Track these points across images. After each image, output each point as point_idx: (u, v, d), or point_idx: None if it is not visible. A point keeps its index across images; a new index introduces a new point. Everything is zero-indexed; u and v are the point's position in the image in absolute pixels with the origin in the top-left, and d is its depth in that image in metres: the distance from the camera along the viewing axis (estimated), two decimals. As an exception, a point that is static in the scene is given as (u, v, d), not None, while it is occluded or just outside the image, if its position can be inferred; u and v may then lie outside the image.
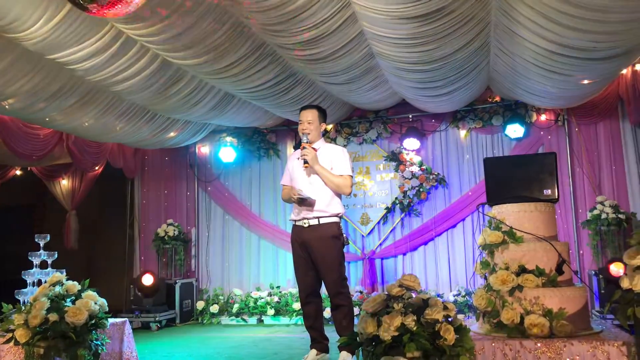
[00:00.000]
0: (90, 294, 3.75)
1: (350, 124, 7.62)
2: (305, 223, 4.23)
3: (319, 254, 4.18)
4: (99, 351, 3.65)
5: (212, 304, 7.47)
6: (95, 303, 3.72)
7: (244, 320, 7.28)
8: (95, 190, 8.52)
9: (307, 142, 4.28)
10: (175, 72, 5.06)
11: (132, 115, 6.08)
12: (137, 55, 4.59)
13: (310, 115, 4.37)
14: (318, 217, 4.21)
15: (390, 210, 7.37)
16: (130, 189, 8.53)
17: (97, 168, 7.93)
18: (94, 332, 3.65)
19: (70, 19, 3.90)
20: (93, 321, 3.65)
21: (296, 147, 4.04)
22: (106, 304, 3.80)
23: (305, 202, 4.22)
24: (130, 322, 5.06)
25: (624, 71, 5.99)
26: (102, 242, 9.07)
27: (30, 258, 4.29)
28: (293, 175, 4.42)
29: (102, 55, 4.43)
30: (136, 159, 8.28)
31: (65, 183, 8.41)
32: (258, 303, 7.29)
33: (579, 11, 3.67)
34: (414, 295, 2.93)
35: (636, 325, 2.70)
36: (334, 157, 4.36)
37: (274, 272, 7.76)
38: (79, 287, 3.75)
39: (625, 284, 2.70)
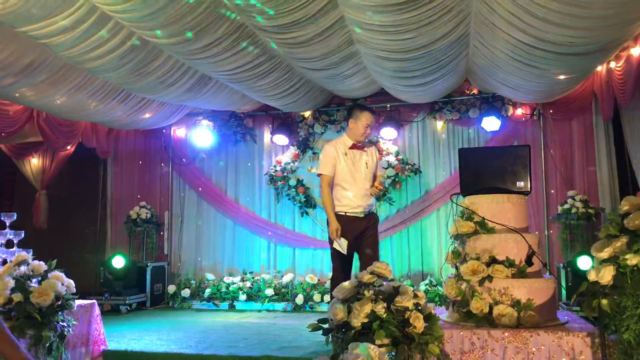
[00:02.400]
0: (57, 274, 3.67)
1: (328, 112, 7.59)
2: (361, 214, 4.51)
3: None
4: (65, 333, 3.59)
5: (184, 288, 7.41)
6: (62, 284, 3.65)
7: (215, 305, 7.24)
8: (67, 169, 8.35)
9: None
10: (150, 51, 4.94)
11: (106, 94, 5.96)
12: (111, 31, 4.47)
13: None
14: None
15: (365, 198, 7.37)
16: (103, 170, 8.38)
17: (69, 147, 7.76)
18: (60, 313, 3.58)
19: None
20: (59, 302, 3.58)
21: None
22: (73, 285, 3.73)
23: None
24: (100, 305, 5.00)
25: (599, 68, 6.07)
26: (73, 222, 8.89)
27: (-6, 234, 4.18)
28: (352, 169, 4.54)
29: (75, 31, 4.29)
30: (110, 139, 8.13)
31: (35, 162, 8.22)
32: (230, 288, 7.26)
33: (559, 5, 3.69)
34: (385, 283, 2.95)
35: (600, 317, 2.75)
36: (377, 161, 4.75)
37: (248, 257, 7.73)
38: (45, 267, 3.68)
39: (591, 276, 2.74)
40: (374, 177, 4.69)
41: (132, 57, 4.92)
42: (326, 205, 4.51)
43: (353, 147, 4.59)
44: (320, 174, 4.58)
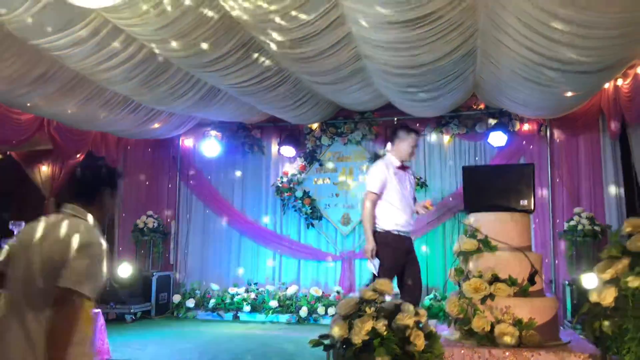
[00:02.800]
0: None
1: (336, 124, 7.63)
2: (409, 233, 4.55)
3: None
4: (69, 342, 3.61)
5: (189, 298, 7.44)
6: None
7: (219, 315, 7.26)
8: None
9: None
10: (161, 63, 5.01)
11: (115, 105, 6.03)
12: (122, 44, 4.54)
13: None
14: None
15: (371, 211, 7.38)
16: (111, 179, 8.42)
17: (78, 156, 7.82)
18: (65, 322, 3.61)
19: (56, 4, 3.85)
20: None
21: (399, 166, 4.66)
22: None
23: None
24: (105, 313, 5.04)
25: (607, 85, 6.07)
26: (80, 230, 8.95)
27: (1, 245, 4.23)
28: (399, 188, 4.55)
29: (87, 43, 4.38)
30: (119, 148, 8.20)
31: (45, 169, 8.29)
32: (235, 299, 7.28)
33: (566, 25, 3.71)
34: (386, 299, 2.96)
35: (602, 339, 2.75)
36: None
37: (253, 268, 7.75)
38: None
39: (593, 297, 2.74)
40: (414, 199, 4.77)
41: (143, 68, 5.00)
42: (367, 223, 4.48)
43: (400, 167, 4.65)
44: (369, 192, 4.55)
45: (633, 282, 2.51)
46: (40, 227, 2.12)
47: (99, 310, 4.41)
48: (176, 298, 7.53)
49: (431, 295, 6.82)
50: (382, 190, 4.52)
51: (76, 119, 6.23)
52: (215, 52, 4.66)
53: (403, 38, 4.23)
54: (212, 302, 7.32)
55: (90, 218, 2.17)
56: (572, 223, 6.33)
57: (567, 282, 6.08)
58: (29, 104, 5.53)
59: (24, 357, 1.95)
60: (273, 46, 4.58)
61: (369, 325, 2.70)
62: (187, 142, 8.26)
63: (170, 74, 5.25)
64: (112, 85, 5.33)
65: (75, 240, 2.01)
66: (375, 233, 4.42)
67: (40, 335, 1.94)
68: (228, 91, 5.86)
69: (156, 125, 6.99)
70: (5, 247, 2.27)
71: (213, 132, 7.86)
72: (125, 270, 7.01)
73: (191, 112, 6.67)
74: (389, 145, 4.76)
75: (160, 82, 5.33)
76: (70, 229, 2.06)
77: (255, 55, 4.90)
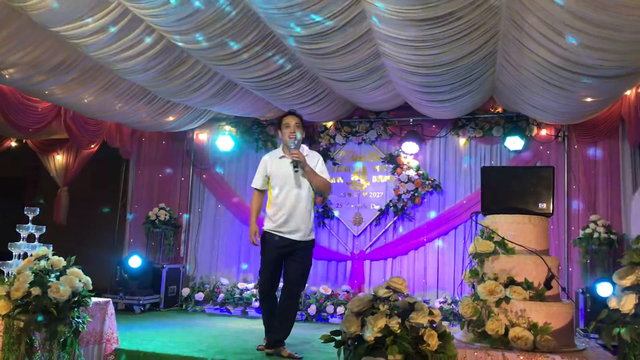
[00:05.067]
0: (75, 270, 3.71)
1: (351, 123, 7.59)
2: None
3: None
4: (80, 329, 3.62)
5: (198, 292, 7.44)
6: (80, 280, 3.69)
7: (228, 310, 7.25)
8: (89, 168, 8.47)
9: (294, 148, 4.47)
10: (179, 55, 5.02)
11: (132, 96, 6.04)
12: (142, 34, 4.55)
13: (298, 119, 4.59)
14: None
15: (383, 212, 7.35)
16: (124, 170, 8.48)
17: (93, 146, 7.87)
18: (76, 309, 3.62)
19: (77, -8, 3.87)
20: (76, 298, 3.62)
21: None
22: (90, 282, 3.76)
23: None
24: (115, 304, 5.04)
25: (628, 92, 5.98)
26: (92, 220, 9.02)
27: (17, 230, 4.24)
28: (278, 175, 4.57)
29: (107, 32, 4.39)
30: (133, 140, 8.23)
31: (59, 158, 8.36)
32: (244, 295, 7.26)
33: (590, 28, 3.65)
34: (400, 298, 2.92)
35: (620, 346, 2.69)
36: (320, 166, 4.61)
37: (262, 264, 7.72)
38: (64, 262, 3.72)
39: (612, 303, 2.69)
40: None
41: (161, 59, 5.01)
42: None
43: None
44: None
45: (655, 289, 2.45)
46: None
47: (109, 299, 4.42)
48: (185, 291, 7.54)
49: (441, 298, 6.77)
50: (261, 184, 4.74)
51: (92, 109, 6.25)
52: (234, 46, 4.66)
53: (423, 36, 4.20)
54: (221, 296, 7.32)
55: None
56: (588, 231, 6.24)
57: (580, 290, 6.00)
58: (46, 92, 5.56)
59: None
60: (292, 41, 4.57)
61: (382, 323, 2.67)
62: (202, 137, 8.26)
63: (188, 66, 5.26)
64: (129, 75, 5.34)
65: None
66: None
67: None
68: (244, 86, 5.85)
69: (171, 119, 7.00)
70: None
71: (227, 127, 7.86)
72: (135, 261, 7.02)
73: (206, 106, 6.67)
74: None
75: (177, 74, 5.34)
76: None
77: (274, 50, 4.89)
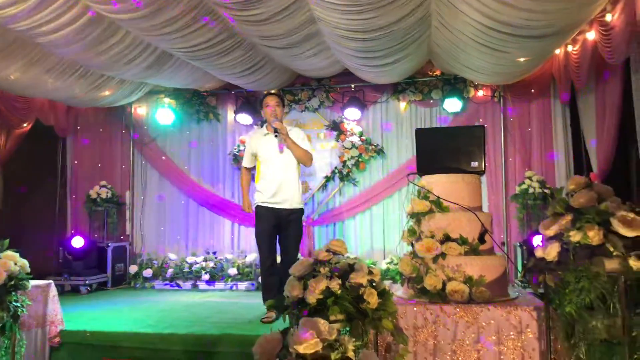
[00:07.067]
0: (10, 254, 3.59)
1: (293, 91, 7.56)
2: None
3: None
4: (18, 313, 3.53)
5: (146, 269, 7.36)
6: (15, 264, 3.57)
7: (178, 285, 7.22)
8: (24, 147, 8.10)
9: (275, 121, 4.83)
10: (108, 26, 4.81)
11: (62, 70, 5.77)
12: (66, 4, 4.33)
13: (277, 99, 4.99)
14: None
15: (329, 179, 7.43)
16: (62, 148, 8.17)
17: (25, 125, 7.52)
18: (13, 293, 3.52)
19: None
20: (12, 282, 3.51)
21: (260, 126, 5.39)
22: (27, 265, 3.65)
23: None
24: (60, 286, 4.93)
25: (557, 51, 6.19)
26: (31, 202, 8.66)
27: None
28: (262, 152, 4.90)
29: (28, 2, 4.15)
30: (69, 117, 7.92)
31: (-11, 139, 7.95)
32: (193, 268, 7.24)
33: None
34: (341, 259, 2.98)
35: (546, 292, 2.86)
36: (300, 139, 4.92)
37: (211, 237, 7.70)
38: (-3, 247, 3.59)
39: (538, 253, 2.84)
40: None
41: (88, 32, 4.78)
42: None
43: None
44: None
45: (575, 236, 2.60)
46: None
47: (50, 281, 4.32)
48: (133, 269, 7.43)
49: (388, 260, 6.95)
50: (250, 162, 5.19)
51: (20, 86, 5.95)
52: (165, 15, 4.51)
53: (356, 0, 4.18)
54: (170, 272, 7.26)
55: None
56: (524, 187, 6.52)
57: (518, 244, 6.29)
58: (-35, 70, 5.25)
59: None
60: (223, 9, 4.46)
61: (323, 285, 2.73)
62: (140, 111, 8.04)
63: (118, 38, 5.05)
64: (56, 49, 5.10)
65: None
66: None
67: None
68: (179, 56, 5.70)
69: (107, 93, 6.76)
70: None
71: (166, 100, 7.67)
72: (78, 241, 6.85)
73: (142, 79, 6.47)
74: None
75: (107, 47, 5.12)
76: None
77: (207, 17, 4.77)
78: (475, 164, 3.63)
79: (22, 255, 3.64)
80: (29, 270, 3.66)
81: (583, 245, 2.56)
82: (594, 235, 2.56)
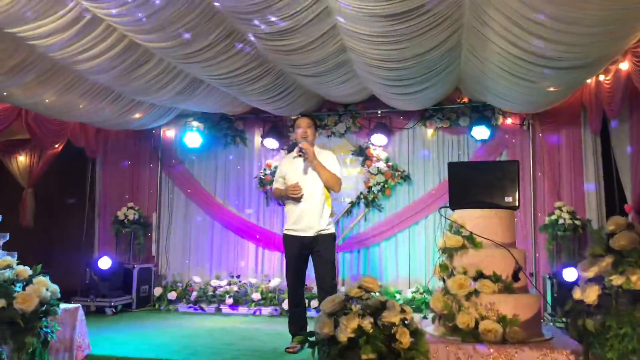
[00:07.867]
0: (42, 280, 3.62)
1: (320, 116, 7.57)
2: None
3: None
4: (48, 339, 3.54)
5: (170, 291, 7.38)
6: (47, 289, 3.60)
7: (201, 308, 7.21)
8: (55, 168, 8.26)
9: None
10: (142, 54, 4.91)
11: (95, 95, 5.90)
12: (102, 34, 4.43)
13: (309, 121, 4.87)
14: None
15: (354, 204, 7.40)
16: (91, 169, 8.30)
17: (56, 146, 7.68)
18: (44, 319, 3.54)
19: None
20: (44, 308, 3.54)
21: (289, 150, 4.89)
22: (58, 291, 3.68)
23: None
24: (86, 307, 4.94)
25: (589, 81, 6.12)
26: (60, 222, 8.81)
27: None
28: (289, 175, 4.81)
29: (66, 33, 4.27)
30: (99, 138, 8.05)
31: (22, 159, 8.13)
32: (217, 292, 7.23)
33: (549, 21, 3.72)
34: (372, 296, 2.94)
35: (585, 336, 2.77)
36: (329, 161, 4.81)
37: (235, 261, 7.70)
38: (30, 272, 3.63)
39: (577, 294, 2.76)
40: None
41: (124, 59, 4.89)
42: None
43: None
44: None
45: (617, 280, 2.53)
46: None
47: (78, 305, 4.35)
48: (157, 291, 7.46)
49: (414, 288, 6.86)
50: (281, 185, 4.98)
51: (54, 109, 6.09)
52: (198, 44, 4.58)
53: (388, 32, 4.20)
54: (194, 294, 7.27)
55: None
56: (553, 217, 6.40)
57: (547, 275, 6.16)
58: (5, 93, 5.39)
59: None
60: (257, 38, 4.52)
61: (354, 323, 2.69)
62: (169, 133, 8.14)
63: (152, 65, 5.15)
64: (92, 76, 5.22)
65: None
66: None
67: None
68: (211, 83, 5.77)
69: (137, 116, 6.88)
70: None
71: (195, 123, 7.75)
72: (105, 262, 6.92)
73: (173, 104, 6.57)
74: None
75: (141, 73, 5.22)
76: None
77: (239, 46, 4.83)
78: (509, 199, 3.57)
79: (50, 275, 3.67)
80: (59, 295, 3.68)
81: (626, 290, 2.49)
82: (637, 280, 2.48)
